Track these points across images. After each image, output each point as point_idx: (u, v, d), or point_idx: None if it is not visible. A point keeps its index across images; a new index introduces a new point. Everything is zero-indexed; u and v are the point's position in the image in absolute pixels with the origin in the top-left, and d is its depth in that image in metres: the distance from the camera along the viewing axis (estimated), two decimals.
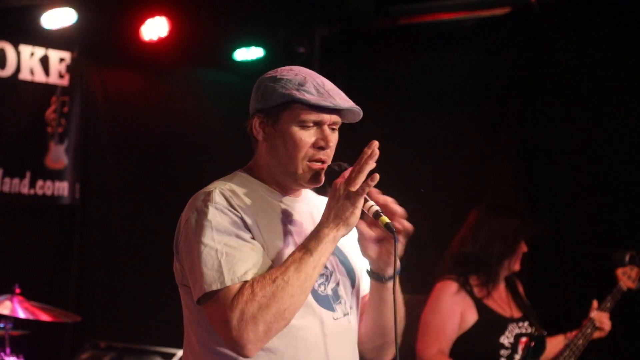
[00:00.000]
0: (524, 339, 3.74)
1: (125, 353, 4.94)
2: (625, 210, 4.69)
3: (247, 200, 2.20)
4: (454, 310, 3.72)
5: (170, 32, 5.54)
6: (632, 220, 4.63)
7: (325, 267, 2.23)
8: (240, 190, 2.22)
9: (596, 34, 4.84)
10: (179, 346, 4.85)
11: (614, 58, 4.78)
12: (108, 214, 6.18)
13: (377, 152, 2.12)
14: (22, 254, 5.83)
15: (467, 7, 5.34)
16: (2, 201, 5.69)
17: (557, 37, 5.01)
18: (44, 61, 5.85)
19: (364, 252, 2.19)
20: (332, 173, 2.19)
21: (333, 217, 2.10)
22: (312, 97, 2.18)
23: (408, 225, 2.15)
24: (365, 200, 2.12)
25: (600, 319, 3.82)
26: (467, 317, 3.73)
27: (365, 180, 2.09)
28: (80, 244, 6.15)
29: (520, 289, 3.96)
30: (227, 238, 2.10)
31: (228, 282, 2.05)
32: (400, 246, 2.16)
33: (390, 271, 2.19)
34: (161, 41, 5.58)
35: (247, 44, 5.71)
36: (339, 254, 2.29)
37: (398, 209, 2.15)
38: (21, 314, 4.31)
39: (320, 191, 2.32)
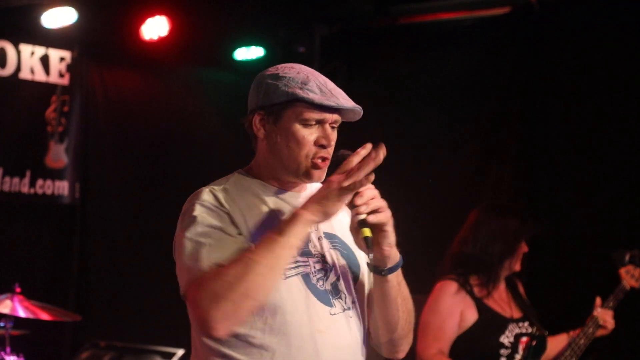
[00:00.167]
0: (524, 339, 3.74)
1: (125, 352, 4.94)
2: (625, 210, 4.70)
3: (239, 198, 2.22)
4: (453, 310, 3.72)
5: (171, 32, 5.54)
6: (632, 220, 4.63)
7: (325, 262, 2.24)
8: (232, 189, 2.24)
9: (596, 33, 4.84)
10: (179, 346, 4.89)
11: (614, 58, 4.78)
12: (108, 213, 6.18)
13: (381, 157, 2.12)
14: (22, 253, 5.83)
15: (467, 7, 5.34)
16: (2, 200, 5.69)
17: (557, 37, 5.01)
18: (44, 60, 5.86)
19: (358, 244, 2.18)
20: (334, 162, 2.20)
21: (314, 202, 2.11)
22: (315, 97, 2.19)
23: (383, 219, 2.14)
24: (357, 205, 2.11)
25: (603, 317, 3.82)
26: (467, 317, 3.73)
27: (360, 180, 2.09)
28: (80, 243, 6.15)
29: (521, 288, 3.96)
30: (211, 231, 2.13)
31: (204, 267, 2.08)
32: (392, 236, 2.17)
33: (387, 264, 2.19)
34: (161, 40, 5.58)
35: (247, 43, 5.71)
36: (341, 248, 2.29)
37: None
38: (21, 313, 4.32)
39: None
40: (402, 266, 2.26)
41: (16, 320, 4.43)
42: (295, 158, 2.21)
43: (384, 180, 2.19)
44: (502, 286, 3.86)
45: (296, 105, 2.20)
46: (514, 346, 3.72)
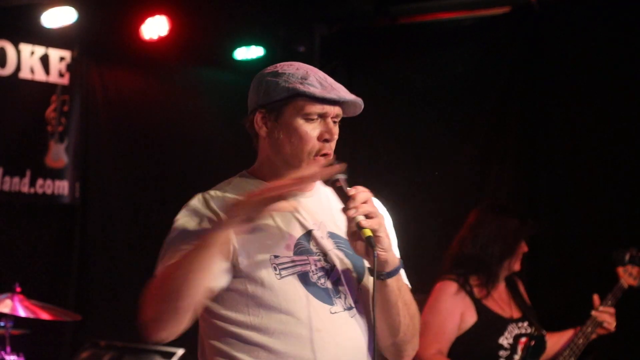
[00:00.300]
0: (523, 340, 3.74)
1: (125, 352, 4.94)
2: (626, 209, 4.70)
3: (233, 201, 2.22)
4: (453, 310, 3.72)
5: (171, 31, 5.54)
6: (632, 219, 4.63)
7: (326, 261, 2.24)
8: (230, 192, 2.25)
9: (596, 33, 4.84)
10: (179, 345, 4.89)
11: (614, 57, 4.78)
12: (108, 213, 6.18)
13: (320, 176, 2.14)
14: (22, 252, 5.83)
15: (467, 7, 5.34)
16: (2, 200, 5.69)
17: (557, 37, 5.01)
18: (44, 60, 5.86)
19: (354, 248, 2.17)
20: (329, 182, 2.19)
21: (235, 208, 2.07)
22: (316, 90, 2.20)
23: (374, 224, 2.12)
24: (350, 208, 2.10)
25: (602, 316, 3.82)
26: (467, 318, 3.73)
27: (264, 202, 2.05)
28: (80, 243, 6.15)
29: (522, 288, 3.96)
30: (183, 238, 2.16)
31: (157, 271, 2.15)
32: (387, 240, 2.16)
33: (385, 268, 2.17)
34: (161, 40, 5.58)
35: (247, 43, 5.70)
36: (346, 249, 2.28)
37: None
38: (21, 313, 4.32)
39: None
40: (404, 269, 2.24)
41: (16, 320, 4.44)
42: (298, 154, 2.21)
43: (384, 180, 2.20)
44: (501, 286, 3.86)
45: (297, 100, 2.20)
46: (513, 347, 3.72)
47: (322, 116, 2.22)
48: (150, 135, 6.13)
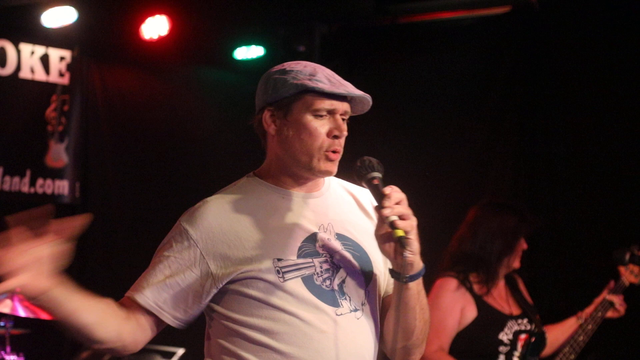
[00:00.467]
0: (523, 336, 3.75)
1: None
2: (626, 208, 4.69)
3: (240, 207, 2.24)
4: (454, 306, 3.72)
5: (171, 31, 5.55)
6: (632, 218, 4.63)
7: (332, 263, 2.23)
8: (236, 196, 2.26)
9: (596, 33, 4.84)
10: (179, 345, 4.89)
11: (614, 57, 4.78)
12: (108, 213, 6.18)
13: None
14: None
15: (467, 6, 5.34)
16: (2, 199, 5.69)
17: (557, 36, 5.01)
18: (44, 60, 5.86)
19: (382, 249, 2.16)
20: (364, 169, 2.18)
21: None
22: (325, 86, 2.20)
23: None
24: (384, 206, 2.10)
25: (615, 299, 3.83)
26: (467, 313, 3.74)
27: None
28: (80, 243, 6.14)
29: (522, 285, 3.96)
30: (163, 259, 2.23)
31: (130, 290, 2.26)
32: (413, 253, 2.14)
33: (409, 271, 2.15)
34: (161, 40, 5.59)
35: (247, 42, 5.70)
36: (354, 250, 2.28)
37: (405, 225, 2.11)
38: (22, 313, 4.32)
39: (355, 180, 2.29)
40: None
41: (16, 320, 4.43)
42: (308, 150, 2.20)
43: (384, 179, 2.19)
44: (501, 283, 3.87)
45: (306, 96, 2.20)
46: (513, 343, 3.73)
47: (331, 112, 2.21)
48: (151, 134, 6.13)
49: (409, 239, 2.08)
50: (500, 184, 5.06)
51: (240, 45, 5.73)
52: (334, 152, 2.21)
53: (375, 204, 2.16)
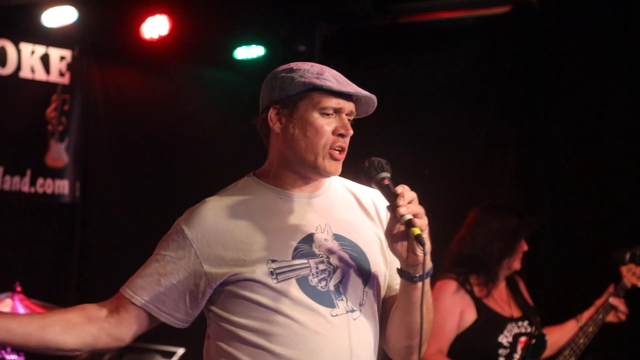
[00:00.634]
0: (522, 339, 3.74)
1: (126, 351, 4.94)
2: (626, 208, 4.69)
3: (240, 208, 2.25)
4: (453, 309, 3.72)
5: (171, 31, 5.54)
6: (632, 218, 4.63)
7: (329, 264, 2.23)
8: (231, 200, 2.27)
9: (597, 32, 4.83)
10: (179, 345, 4.89)
11: (614, 56, 4.78)
12: (108, 212, 6.19)
13: None
14: (22, 252, 5.83)
15: (468, 6, 5.34)
16: (3, 199, 5.70)
17: (557, 36, 5.01)
18: (45, 59, 5.86)
19: (392, 249, 2.16)
20: (373, 170, 2.18)
21: None
22: (333, 84, 2.21)
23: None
24: (398, 205, 2.09)
25: (617, 302, 3.83)
26: (466, 316, 3.73)
27: None
28: (81, 242, 6.15)
29: (523, 287, 3.95)
30: (159, 258, 2.27)
31: (124, 287, 2.30)
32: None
33: (419, 271, 2.15)
34: (162, 39, 5.58)
35: (248, 42, 5.70)
36: (351, 250, 2.27)
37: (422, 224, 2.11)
38: (22, 312, 4.32)
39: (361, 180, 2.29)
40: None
41: None
42: (313, 148, 2.21)
43: (392, 179, 2.19)
44: (502, 285, 3.86)
45: (313, 94, 2.21)
46: (513, 346, 3.72)
47: (338, 111, 2.22)
48: (151, 134, 6.13)
49: (423, 238, 2.10)
50: (500, 184, 5.06)
51: (240, 45, 5.72)
52: (339, 151, 2.22)
53: (386, 204, 2.17)
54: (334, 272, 2.24)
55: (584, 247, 4.77)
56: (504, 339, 3.72)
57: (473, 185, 5.13)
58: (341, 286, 2.23)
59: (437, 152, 5.30)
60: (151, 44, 5.62)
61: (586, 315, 3.90)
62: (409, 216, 2.09)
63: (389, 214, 2.16)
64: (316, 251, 2.23)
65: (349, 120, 2.25)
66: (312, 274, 2.21)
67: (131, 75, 6.20)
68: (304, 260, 2.21)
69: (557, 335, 3.91)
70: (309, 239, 2.24)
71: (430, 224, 2.13)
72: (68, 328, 2.23)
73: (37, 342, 2.21)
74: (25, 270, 5.65)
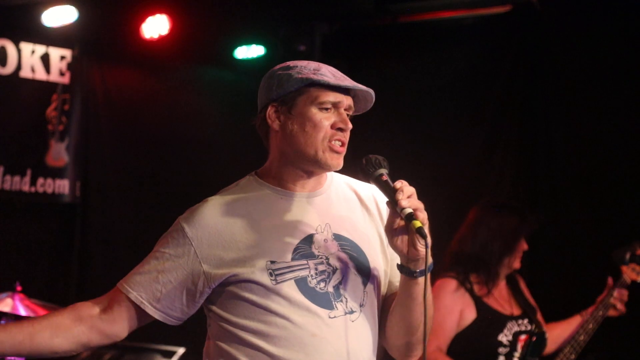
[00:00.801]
0: (522, 337, 3.74)
1: (126, 351, 4.94)
2: (627, 207, 4.69)
3: (240, 207, 2.25)
4: (453, 307, 3.72)
5: (171, 30, 5.54)
6: (632, 217, 4.63)
7: (328, 264, 2.23)
8: (232, 200, 2.27)
9: (597, 31, 4.83)
10: (180, 344, 4.89)
11: (615, 56, 4.78)
12: (109, 212, 6.18)
13: None
14: (23, 251, 5.83)
15: (468, 5, 5.34)
16: (3, 199, 5.70)
17: (557, 36, 5.01)
18: (45, 59, 5.86)
19: (392, 244, 2.16)
20: (371, 167, 2.18)
21: None
22: (330, 79, 2.22)
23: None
24: (398, 200, 2.09)
25: (619, 295, 3.83)
26: (466, 315, 3.74)
27: None
28: (81, 242, 6.15)
29: (523, 286, 3.96)
30: (159, 255, 2.27)
31: (121, 282, 2.33)
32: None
33: (420, 266, 2.15)
34: (162, 39, 5.59)
35: (248, 42, 5.70)
36: (351, 251, 2.27)
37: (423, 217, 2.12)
38: (22, 312, 4.31)
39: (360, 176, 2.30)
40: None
41: (17, 319, 4.43)
42: (313, 142, 2.21)
43: (390, 175, 2.19)
44: (502, 284, 3.87)
45: (310, 90, 2.22)
46: (513, 344, 3.73)
47: (336, 106, 2.22)
48: (151, 134, 6.13)
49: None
50: (500, 184, 5.06)
51: (240, 44, 5.73)
52: (339, 144, 2.22)
53: (385, 200, 2.17)
54: (334, 273, 2.23)
55: (584, 247, 4.77)
56: (504, 337, 3.72)
57: (473, 185, 5.13)
58: (341, 287, 2.23)
59: (437, 151, 5.30)
60: (151, 43, 5.63)
61: (589, 311, 3.90)
62: (409, 210, 2.08)
63: (389, 210, 2.16)
64: (316, 252, 2.23)
65: (347, 115, 2.25)
66: (311, 275, 2.20)
67: (131, 74, 6.20)
68: (304, 261, 2.21)
69: (560, 330, 3.90)
70: (309, 239, 2.24)
71: (429, 223, 2.13)
72: (58, 331, 2.24)
73: (30, 349, 2.23)
74: (25, 269, 5.65)
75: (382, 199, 2.30)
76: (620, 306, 3.87)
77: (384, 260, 2.32)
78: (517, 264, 3.85)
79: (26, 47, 5.75)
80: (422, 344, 2.29)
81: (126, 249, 6.04)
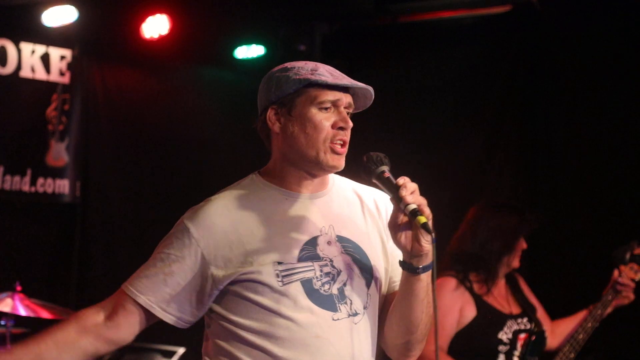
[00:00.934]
0: (522, 336, 3.75)
1: (126, 351, 4.94)
2: (627, 206, 4.69)
3: (244, 207, 2.24)
4: (452, 306, 3.72)
5: (171, 30, 5.55)
6: (633, 216, 4.63)
7: (332, 267, 2.23)
8: (236, 200, 2.26)
9: (597, 31, 4.84)
10: (180, 344, 4.89)
11: (614, 55, 4.78)
12: (109, 212, 6.18)
13: None
14: (23, 251, 5.83)
15: (468, 5, 5.34)
16: (3, 198, 5.69)
17: (558, 36, 5.01)
18: (45, 59, 5.85)
19: (396, 241, 2.16)
20: (372, 164, 2.18)
21: None
22: (328, 78, 2.21)
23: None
24: (403, 196, 2.10)
25: (624, 281, 3.82)
26: (466, 313, 3.74)
27: None
28: (81, 242, 6.15)
29: (523, 285, 3.96)
30: (164, 257, 2.22)
31: (125, 285, 2.26)
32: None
33: (422, 262, 2.15)
34: (162, 39, 5.59)
35: (248, 41, 5.71)
36: (354, 253, 2.27)
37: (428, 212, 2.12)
38: (22, 312, 4.32)
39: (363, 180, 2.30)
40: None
41: (17, 319, 4.43)
42: (314, 143, 2.20)
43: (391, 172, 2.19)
44: (501, 282, 3.87)
45: (309, 90, 2.21)
46: (513, 342, 3.73)
47: (335, 105, 2.22)
48: (151, 133, 6.13)
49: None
50: (500, 183, 5.06)
51: (240, 44, 5.73)
52: (340, 144, 2.21)
53: (387, 199, 2.17)
54: (338, 275, 2.23)
55: (584, 247, 4.77)
56: (504, 335, 3.73)
57: (473, 185, 5.13)
58: (345, 289, 2.23)
59: (436, 151, 5.30)
60: (151, 43, 5.63)
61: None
62: (413, 206, 2.09)
63: (390, 213, 2.17)
64: (320, 254, 2.23)
65: (348, 113, 2.24)
66: (317, 277, 2.20)
67: (131, 74, 6.20)
68: (309, 263, 2.21)
69: (566, 325, 3.90)
70: (314, 241, 2.23)
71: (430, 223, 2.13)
72: (65, 347, 2.22)
73: None
74: (25, 269, 5.65)
75: (384, 202, 2.32)
76: (626, 293, 3.84)
77: (385, 262, 2.32)
78: (516, 263, 3.85)
79: (26, 47, 5.75)
80: (419, 344, 2.30)
81: (126, 249, 6.04)
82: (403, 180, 2.13)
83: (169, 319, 2.24)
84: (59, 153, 6.00)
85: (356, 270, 2.25)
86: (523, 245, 3.84)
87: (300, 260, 2.20)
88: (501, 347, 3.71)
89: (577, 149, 4.92)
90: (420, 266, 2.16)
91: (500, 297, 3.83)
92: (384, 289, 2.33)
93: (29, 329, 4.66)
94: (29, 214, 5.91)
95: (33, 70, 5.80)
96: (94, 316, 2.26)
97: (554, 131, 5.01)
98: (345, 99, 2.24)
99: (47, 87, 5.89)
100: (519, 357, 3.73)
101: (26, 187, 5.81)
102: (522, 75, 5.11)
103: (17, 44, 5.70)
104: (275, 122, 2.25)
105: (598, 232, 4.71)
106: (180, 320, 2.25)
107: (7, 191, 5.69)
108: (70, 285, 6.08)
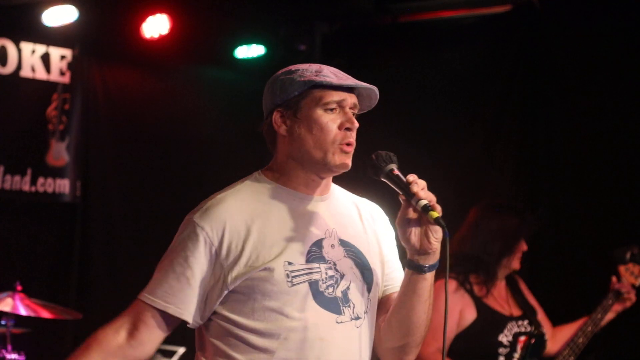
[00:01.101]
0: (522, 338, 3.74)
1: None
2: (627, 206, 4.69)
3: (248, 205, 2.22)
4: (452, 308, 3.72)
5: (171, 30, 5.55)
6: (633, 216, 4.63)
7: (336, 270, 2.22)
8: (244, 194, 2.25)
9: (597, 31, 4.84)
10: (180, 344, 4.89)
11: (615, 55, 4.78)
12: (109, 212, 6.19)
13: None
14: (23, 251, 5.83)
15: (468, 5, 5.35)
16: (3, 198, 5.70)
17: (558, 35, 5.01)
18: (45, 58, 5.86)
19: (405, 238, 2.16)
20: (382, 162, 2.19)
21: None
22: (332, 79, 2.21)
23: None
24: (415, 192, 2.11)
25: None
26: (466, 315, 3.73)
27: None
28: (82, 242, 6.15)
29: (523, 287, 3.95)
30: (182, 260, 2.19)
31: (144, 294, 2.26)
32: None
33: (429, 261, 2.16)
34: (162, 39, 5.59)
35: (248, 41, 5.71)
36: (355, 257, 2.27)
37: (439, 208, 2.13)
38: (22, 311, 4.32)
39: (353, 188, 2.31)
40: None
41: (17, 319, 4.44)
42: (322, 145, 2.20)
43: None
44: (502, 284, 3.86)
45: (314, 91, 2.21)
46: (513, 345, 3.73)
47: (341, 105, 2.22)
48: (151, 133, 6.14)
49: (435, 225, 2.11)
50: (500, 184, 5.06)
51: (241, 44, 5.73)
52: (347, 144, 2.21)
53: (376, 209, 2.21)
54: (341, 278, 2.23)
55: (584, 247, 4.77)
56: (504, 337, 3.72)
57: (473, 185, 5.13)
58: (348, 293, 2.23)
59: (437, 151, 5.30)
60: (152, 43, 5.63)
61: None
62: (425, 202, 2.10)
63: (386, 228, 2.23)
64: (326, 256, 2.23)
65: (353, 114, 2.25)
66: (322, 280, 2.20)
67: (132, 74, 6.20)
68: (316, 265, 2.20)
69: (568, 331, 3.89)
70: (319, 243, 2.23)
71: None
72: None
73: None
74: (25, 269, 5.65)
75: (377, 212, 2.37)
76: (629, 295, 3.84)
77: (381, 268, 2.33)
78: (516, 265, 3.85)
79: (26, 46, 5.75)
80: (416, 348, 2.31)
81: (126, 249, 6.04)
82: (413, 177, 2.14)
83: (193, 323, 2.22)
84: (59, 153, 6.00)
85: (358, 274, 2.26)
86: (523, 247, 3.84)
87: (308, 261, 2.20)
88: (501, 350, 3.71)
89: (577, 149, 4.91)
90: (427, 265, 2.17)
91: (500, 299, 3.82)
92: (380, 294, 2.33)
93: (29, 329, 4.67)
94: (29, 213, 5.91)
95: (33, 70, 5.80)
96: (115, 337, 2.24)
97: (554, 131, 5.01)
98: (350, 99, 2.24)
99: (48, 87, 5.89)
100: (518, 359, 3.72)
101: (26, 187, 5.81)
102: (522, 75, 5.11)
103: (17, 44, 5.70)
104: (282, 125, 2.25)
105: (598, 232, 4.71)
106: (196, 322, 2.23)
107: (7, 191, 5.69)
108: (70, 285, 6.08)
